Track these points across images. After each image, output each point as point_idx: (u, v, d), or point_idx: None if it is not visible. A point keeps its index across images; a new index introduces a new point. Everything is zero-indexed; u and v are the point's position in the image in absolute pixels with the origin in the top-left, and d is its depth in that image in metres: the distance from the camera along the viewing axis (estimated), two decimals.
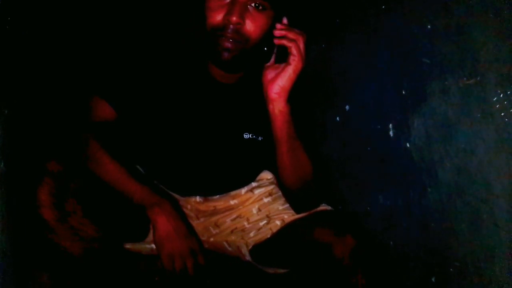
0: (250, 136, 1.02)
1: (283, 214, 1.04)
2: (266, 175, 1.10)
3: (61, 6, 1.26)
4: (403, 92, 0.99)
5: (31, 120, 1.06)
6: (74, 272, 0.87)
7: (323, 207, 1.02)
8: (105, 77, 1.00)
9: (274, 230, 1.02)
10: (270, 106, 0.89)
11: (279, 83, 0.87)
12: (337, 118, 1.27)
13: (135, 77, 0.99)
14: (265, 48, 0.91)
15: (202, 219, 1.08)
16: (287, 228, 1.01)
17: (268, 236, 1.02)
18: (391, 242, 1.07)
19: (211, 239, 1.09)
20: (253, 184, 1.09)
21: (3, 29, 0.88)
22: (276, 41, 0.88)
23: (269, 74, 0.89)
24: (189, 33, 1.04)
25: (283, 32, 0.87)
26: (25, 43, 1.05)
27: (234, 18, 0.85)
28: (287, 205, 1.04)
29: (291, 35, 0.87)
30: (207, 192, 1.07)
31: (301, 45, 0.87)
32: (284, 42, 0.87)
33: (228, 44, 0.88)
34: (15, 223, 0.87)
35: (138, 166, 1.13)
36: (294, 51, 0.86)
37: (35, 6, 1.11)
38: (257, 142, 1.02)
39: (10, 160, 0.87)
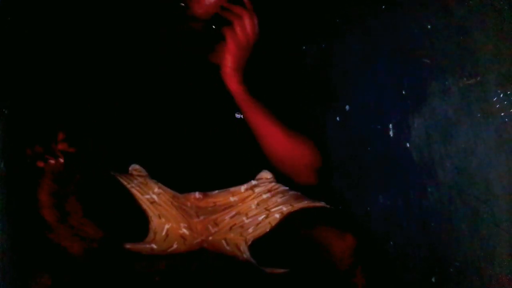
0: (242, 117, 1.02)
1: (281, 206, 1.03)
2: (266, 175, 1.11)
3: (61, 6, 1.26)
4: (403, 92, 0.99)
5: (31, 120, 1.05)
6: (74, 272, 0.87)
7: (323, 204, 1.02)
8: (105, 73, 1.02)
9: (273, 223, 1.02)
10: None
11: (222, 68, 0.93)
12: (337, 118, 1.27)
13: (132, 71, 1.01)
14: (213, 26, 0.93)
15: (202, 217, 1.08)
16: (286, 222, 1.01)
17: (267, 230, 1.02)
18: (391, 242, 1.07)
19: (210, 238, 1.09)
20: (253, 182, 1.09)
21: (3, 29, 0.88)
22: (221, 27, 0.91)
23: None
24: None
25: (225, 14, 0.91)
26: (25, 43, 1.05)
27: None
28: (286, 197, 1.04)
29: (228, 16, 0.91)
30: (206, 187, 1.07)
31: (237, 28, 0.90)
32: (224, 28, 0.91)
33: (180, 7, 0.92)
34: (15, 223, 0.87)
35: (138, 165, 1.13)
36: (226, 36, 0.90)
37: (35, 6, 1.11)
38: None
39: (10, 160, 0.87)
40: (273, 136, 0.97)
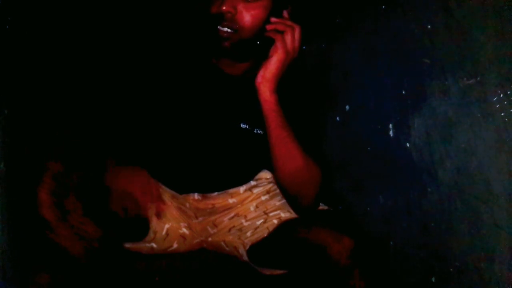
0: (247, 127, 1.02)
1: (279, 210, 1.04)
2: (265, 175, 1.10)
3: (61, 6, 1.26)
4: (403, 92, 0.99)
5: (31, 120, 1.06)
6: (74, 272, 0.87)
7: (321, 206, 1.02)
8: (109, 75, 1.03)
9: (271, 228, 1.02)
10: (258, 94, 0.94)
11: (261, 73, 0.93)
12: (337, 118, 1.27)
13: (137, 71, 1.02)
14: (258, 42, 0.94)
15: (200, 219, 1.08)
16: (283, 227, 1.01)
17: (265, 235, 1.02)
18: (391, 242, 1.07)
19: (209, 239, 1.09)
20: (252, 183, 1.09)
21: (3, 29, 0.89)
22: (265, 34, 0.93)
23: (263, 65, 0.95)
24: (194, 25, 1.05)
25: (272, 26, 0.93)
26: (25, 43, 1.05)
27: (224, 8, 0.90)
28: (284, 200, 1.04)
29: (279, 26, 0.93)
30: (205, 188, 1.07)
31: (288, 37, 0.92)
32: (271, 34, 0.93)
33: (223, 33, 0.93)
34: (15, 223, 0.87)
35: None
36: (277, 43, 0.92)
37: (35, 6, 1.11)
38: (254, 134, 1.02)
39: (10, 160, 0.87)
40: (290, 155, 0.94)
